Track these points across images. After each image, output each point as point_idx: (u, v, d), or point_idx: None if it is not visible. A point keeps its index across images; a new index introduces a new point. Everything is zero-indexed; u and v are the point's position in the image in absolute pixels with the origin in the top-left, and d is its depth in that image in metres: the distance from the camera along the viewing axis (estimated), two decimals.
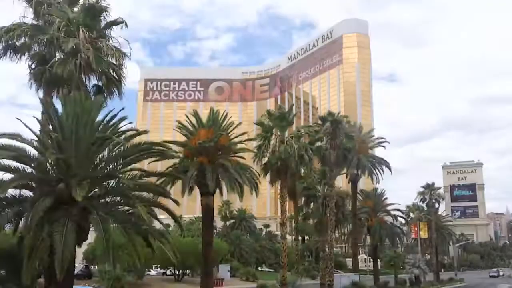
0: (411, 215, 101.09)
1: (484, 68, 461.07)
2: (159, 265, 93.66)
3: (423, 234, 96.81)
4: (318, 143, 56.79)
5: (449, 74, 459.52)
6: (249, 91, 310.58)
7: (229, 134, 48.02)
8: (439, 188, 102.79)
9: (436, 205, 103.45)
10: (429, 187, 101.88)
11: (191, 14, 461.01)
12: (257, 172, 49.67)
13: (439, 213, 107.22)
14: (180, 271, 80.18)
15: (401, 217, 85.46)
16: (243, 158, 49.81)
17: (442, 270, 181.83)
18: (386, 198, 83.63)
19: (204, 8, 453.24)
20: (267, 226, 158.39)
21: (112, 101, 36.14)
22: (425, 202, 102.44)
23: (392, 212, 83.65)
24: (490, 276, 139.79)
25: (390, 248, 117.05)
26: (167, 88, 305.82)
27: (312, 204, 63.37)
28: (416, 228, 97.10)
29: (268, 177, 52.65)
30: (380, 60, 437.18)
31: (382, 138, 79.16)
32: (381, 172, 76.62)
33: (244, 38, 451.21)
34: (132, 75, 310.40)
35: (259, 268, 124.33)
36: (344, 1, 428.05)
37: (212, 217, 48.20)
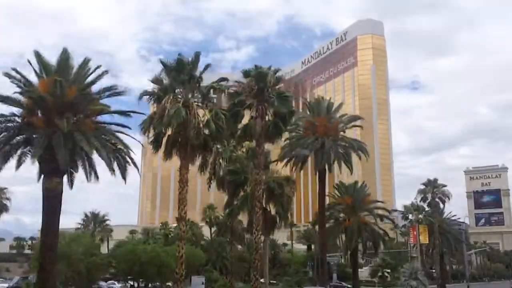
0: (410, 216, 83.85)
1: (509, 74, 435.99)
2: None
3: (423, 239, 79.17)
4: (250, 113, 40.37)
5: (474, 82, 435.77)
6: None
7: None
8: (444, 185, 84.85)
9: (441, 205, 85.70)
10: (431, 184, 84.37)
11: (213, 26, 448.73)
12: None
13: (445, 214, 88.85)
14: (145, 283, 73.29)
15: (388, 218, 67.68)
16: (128, 127, 34.14)
17: (464, 281, 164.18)
18: (369, 194, 66.73)
19: (226, 19, 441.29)
20: None
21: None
22: (427, 201, 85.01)
23: (378, 211, 66.46)
24: None
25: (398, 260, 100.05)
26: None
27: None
28: (414, 232, 79.55)
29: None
30: (403, 68, 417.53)
31: (355, 116, 61.81)
32: (359, 157, 59.59)
33: (265, 48, 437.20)
34: (147, 85, 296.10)
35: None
36: (365, 10, 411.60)
37: (56, 208, 31.61)
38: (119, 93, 32.90)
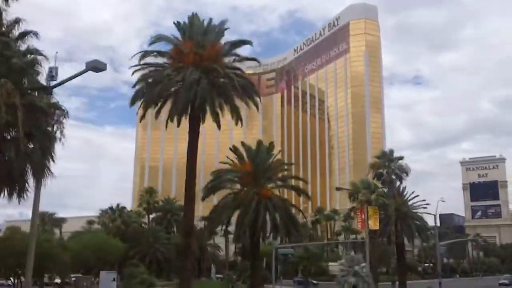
0: (359, 197, 64.76)
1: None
2: None
3: (373, 224, 59.77)
4: None
5: (477, 76, 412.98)
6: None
7: None
8: (401, 158, 65.47)
9: (398, 183, 66.30)
10: (385, 156, 65.18)
11: (216, 21, 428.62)
12: None
13: (408, 196, 69.31)
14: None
15: (304, 193, 47.88)
16: None
17: (457, 276, 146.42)
18: (280, 161, 47.63)
19: (228, 14, 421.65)
20: None
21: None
22: (382, 178, 65.89)
23: (292, 182, 47.20)
24: (500, 284, 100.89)
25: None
26: None
27: None
28: (362, 216, 60.24)
29: None
30: (406, 63, 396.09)
31: (242, 40, 42.10)
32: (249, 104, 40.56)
33: (268, 43, 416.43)
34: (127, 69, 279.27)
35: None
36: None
37: None
38: None
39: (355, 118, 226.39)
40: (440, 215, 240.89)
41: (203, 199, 44.52)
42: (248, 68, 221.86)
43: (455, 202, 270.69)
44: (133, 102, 37.44)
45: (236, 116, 39.06)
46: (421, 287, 67.55)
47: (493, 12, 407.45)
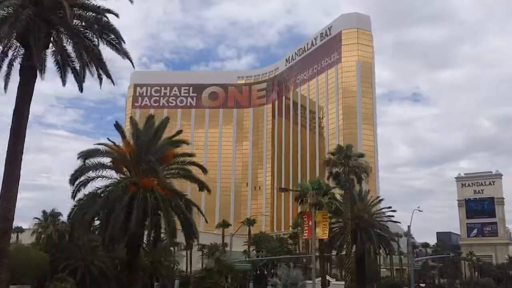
0: (308, 200, 52.61)
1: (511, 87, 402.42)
2: None
3: (321, 232, 47.52)
4: None
5: (475, 94, 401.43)
6: (245, 96, 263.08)
7: None
8: (361, 155, 53.47)
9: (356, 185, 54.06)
10: (342, 152, 53.11)
11: (214, 35, 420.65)
12: None
13: (371, 201, 57.14)
14: None
15: (203, 184, 35.35)
16: None
17: None
18: (178, 144, 35.50)
19: (227, 28, 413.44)
20: None
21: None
22: (338, 178, 53.75)
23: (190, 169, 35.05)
24: None
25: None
26: (158, 94, 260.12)
27: None
28: (310, 222, 48.02)
29: None
30: (404, 80, 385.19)
31: None
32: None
33: (266, 57, 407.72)
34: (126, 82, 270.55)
35: None
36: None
37: None
38: None
39: (346, 131, 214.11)
40: (437, 233, 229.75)
41: (72, 196, 32.62)
42: (238, 78, 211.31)
43: (453, 221, 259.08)
44: None
45: (97, 66, 27.39)
46: None
47: (491, 30, 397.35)
